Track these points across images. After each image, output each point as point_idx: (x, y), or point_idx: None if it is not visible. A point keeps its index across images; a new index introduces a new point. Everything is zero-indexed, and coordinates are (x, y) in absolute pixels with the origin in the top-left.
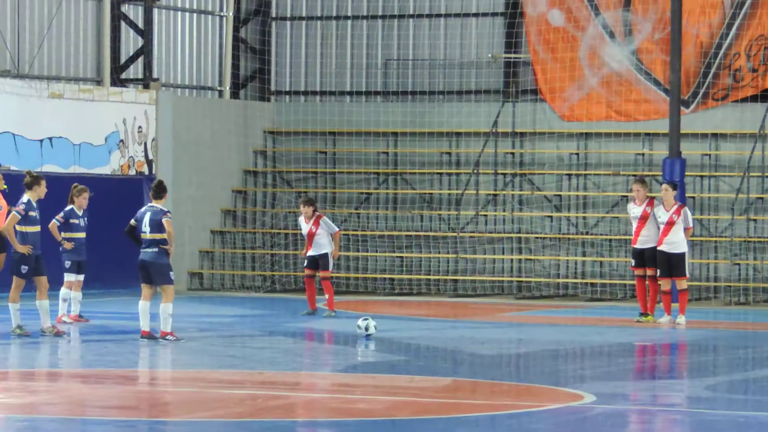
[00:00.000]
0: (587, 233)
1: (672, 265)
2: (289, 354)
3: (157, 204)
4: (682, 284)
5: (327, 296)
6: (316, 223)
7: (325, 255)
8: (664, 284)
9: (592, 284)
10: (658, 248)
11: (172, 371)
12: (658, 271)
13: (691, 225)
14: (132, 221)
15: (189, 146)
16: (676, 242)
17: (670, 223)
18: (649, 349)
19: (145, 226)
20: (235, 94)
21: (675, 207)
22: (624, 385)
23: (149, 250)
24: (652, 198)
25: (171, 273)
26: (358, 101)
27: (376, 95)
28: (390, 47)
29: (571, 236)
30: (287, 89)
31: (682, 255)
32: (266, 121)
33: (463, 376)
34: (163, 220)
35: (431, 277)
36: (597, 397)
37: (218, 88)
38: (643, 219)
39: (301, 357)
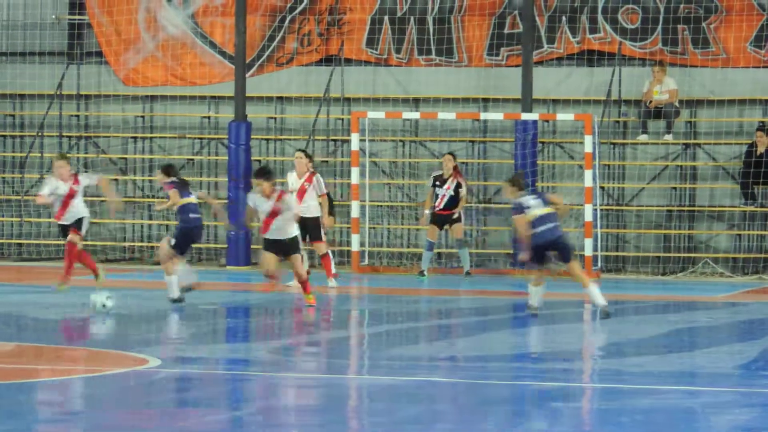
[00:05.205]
0: (154, 197)
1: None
2: None
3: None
4: (322, 248)
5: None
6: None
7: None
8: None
9: (158, 247)
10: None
11: None
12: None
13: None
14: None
15: None
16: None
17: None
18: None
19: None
20: None
21: (308, 175)
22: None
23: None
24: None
25: None
26: None
27: None
28: None
29: (137, 199)
30: None
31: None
32: None
33: (27, 341)
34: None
35: None
36: (162, 362)
37: None
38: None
39: None
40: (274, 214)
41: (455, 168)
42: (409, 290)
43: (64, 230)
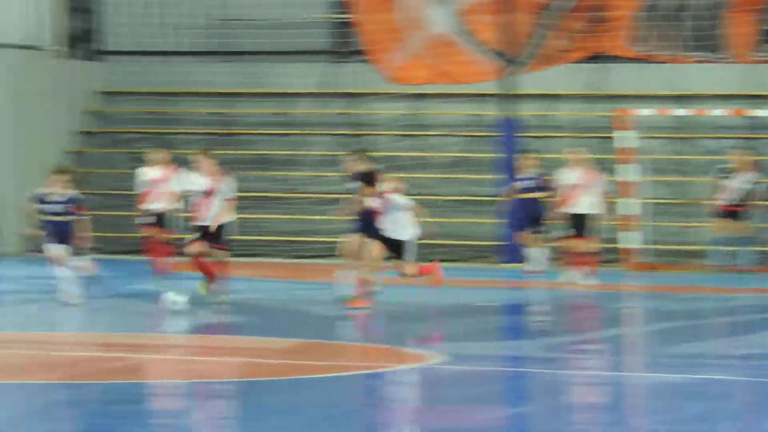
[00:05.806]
0: (425, 194)
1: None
2: (129, 315)
3: None
4: (590, 246)
5: None
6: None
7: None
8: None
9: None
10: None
11: (6, 333)
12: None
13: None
14: None
15: (15, 106)
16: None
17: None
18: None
19: None
20: (63, 54)
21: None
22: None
23: None
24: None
25: None
26: (188, 61)
27: (208, 55)
28: (226, 6)
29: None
30: (118, 49)
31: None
32: (96, 81)
33: (307, 338)
34: None
35: (267, 237)
36: (447, 357)
37: (45, 48)
38: None
39: (142, 318)
40: (382, 210)
41: (751, 162)
42: (688, 288)
43: (202, 231)
